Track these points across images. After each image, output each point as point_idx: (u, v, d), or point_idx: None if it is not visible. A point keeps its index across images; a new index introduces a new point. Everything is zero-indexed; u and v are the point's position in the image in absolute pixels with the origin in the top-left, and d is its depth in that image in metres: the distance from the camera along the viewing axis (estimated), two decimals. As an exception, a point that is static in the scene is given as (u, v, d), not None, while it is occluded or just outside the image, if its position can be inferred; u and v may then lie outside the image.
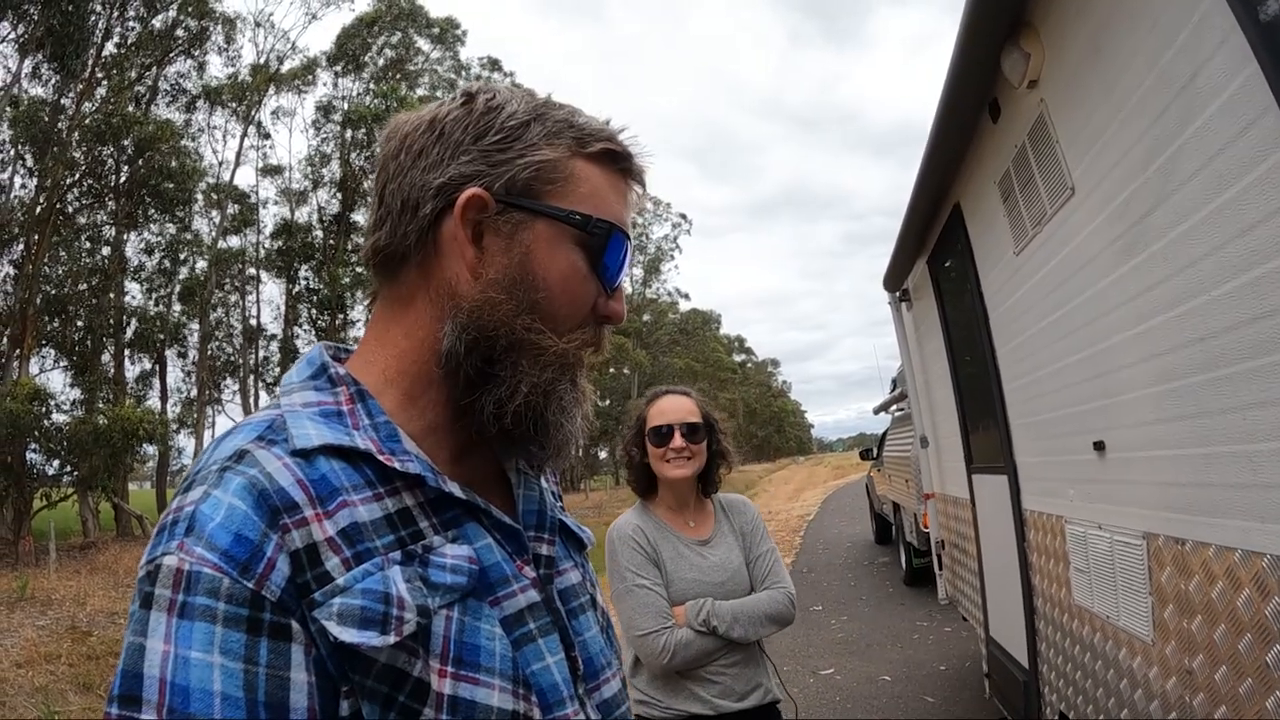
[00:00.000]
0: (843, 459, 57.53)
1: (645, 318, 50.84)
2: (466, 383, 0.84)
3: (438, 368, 0.84)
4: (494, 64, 30.71)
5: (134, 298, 22.67)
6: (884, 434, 13.01)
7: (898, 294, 6.17)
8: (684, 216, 50.02)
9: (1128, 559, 2.49)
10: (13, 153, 17.80)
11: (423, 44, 26.91)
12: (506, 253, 0.83)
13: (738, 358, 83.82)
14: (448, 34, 27.24)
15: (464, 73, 29.08)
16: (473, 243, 0.83)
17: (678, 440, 2.45)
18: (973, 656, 5.13)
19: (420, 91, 26.05)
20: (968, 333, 4.35)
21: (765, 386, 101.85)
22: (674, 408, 2.51)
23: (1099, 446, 2.69)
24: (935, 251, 4.87)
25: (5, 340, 17.82)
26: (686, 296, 56.24)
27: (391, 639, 0.71)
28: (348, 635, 0.69)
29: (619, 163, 0.90)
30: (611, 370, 42.73)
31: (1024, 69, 2.65)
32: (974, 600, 4.88)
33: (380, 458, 0.78)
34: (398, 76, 26.41)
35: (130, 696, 0.65)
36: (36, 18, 15.92)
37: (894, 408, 11.20)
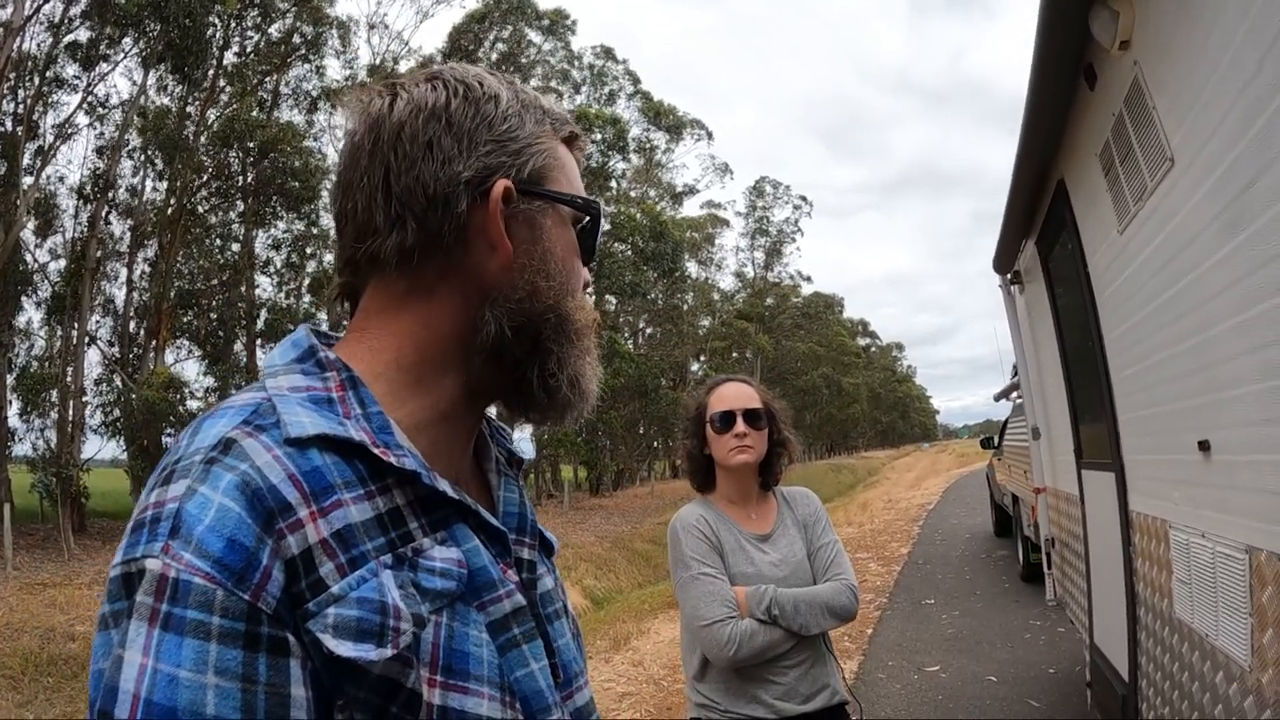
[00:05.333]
0: (968, 446, 55.42)
1: (768, 301, 49.97)
2: (512, 363, 0.85)
3: (476, 355, 0.84)
4: (607, 52, 30.75)
5: (264, 290, 23.37)
6: (1004, 422, 12.44)
7: (1008, 276, 5.83)
8: (804, 199, 48.76)
9: (1229, 573, 2.24)
10: (143, 158, 18.97)
11: (534, 36, 27.14)
12: (533, 240, 0.85)
13: (862, 342, 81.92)
14: (558, 25, 27.40)
15: (576, 62, 29.25)
16: (505, 233, 0.84)
17: (740, 425, 2.37)
18: (1084, 661, 4.82)
19: (534, 83, 26.38)
20: (1077, 318, 4.06)
21: (889, 371, 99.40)
22: (736, 394, 2.43)
23: (1204, 446, 2.43)
24: (1043, 231, 4.56)
25: (142, 333, 19.00)
26: (809, 279, 54.63)
27: (389, 651, 0.67)
28: (344, 649, 0.65)
29: (575, 141, 0.93)
30: (735, 355, 42.28)
31: (1114, 29, 2.40)
32: (1080, 604, 4.57)
33: (375, 451, 0.74)
34: (512, 69, 26.93)
35: (104, 712, 0.61)
36: (156, 33, 16.80)
37: (1014, 395, 10.66)
